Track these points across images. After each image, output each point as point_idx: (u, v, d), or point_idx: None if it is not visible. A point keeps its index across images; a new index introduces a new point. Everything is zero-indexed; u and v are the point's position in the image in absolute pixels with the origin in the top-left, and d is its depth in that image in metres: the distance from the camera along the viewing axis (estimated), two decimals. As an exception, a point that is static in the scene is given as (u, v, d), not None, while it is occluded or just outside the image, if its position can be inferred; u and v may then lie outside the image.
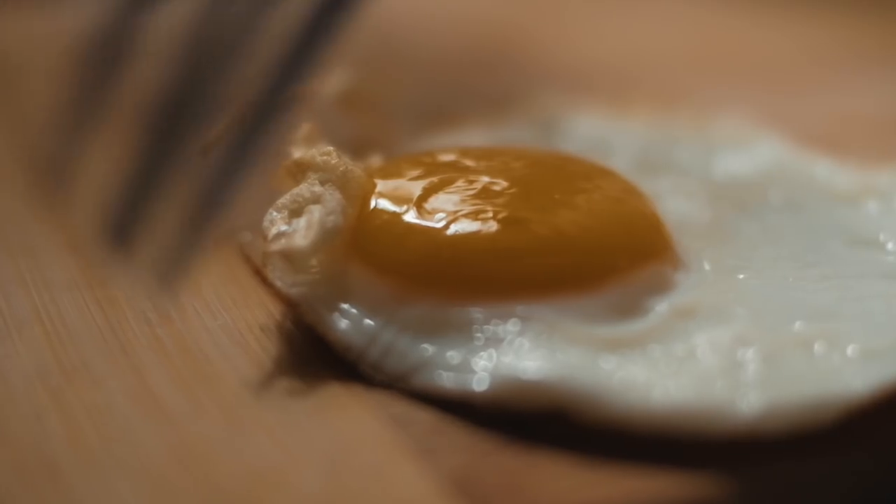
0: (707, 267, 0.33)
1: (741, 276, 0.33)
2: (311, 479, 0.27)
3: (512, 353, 0.29)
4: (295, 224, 0.32)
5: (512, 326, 0.30)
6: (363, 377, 0.30)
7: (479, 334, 0.30)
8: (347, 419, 0.29)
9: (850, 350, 0.29)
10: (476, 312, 0.30)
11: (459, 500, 0.26)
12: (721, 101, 0.44)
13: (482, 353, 0.29)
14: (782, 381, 0.28)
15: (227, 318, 0.33)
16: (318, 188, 0.33)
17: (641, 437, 0.27)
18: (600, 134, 0.40)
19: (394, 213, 0.33)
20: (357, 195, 0.33)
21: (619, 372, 0.29)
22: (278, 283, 0.32)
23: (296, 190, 0.34)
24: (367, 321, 0.31)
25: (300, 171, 0.34)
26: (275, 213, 0.33)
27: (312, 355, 0.31)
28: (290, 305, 0.32)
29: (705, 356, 0.29)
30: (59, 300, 0.34)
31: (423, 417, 0.29)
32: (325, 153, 0.34)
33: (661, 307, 0.31)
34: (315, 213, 0.32)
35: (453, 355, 0.30)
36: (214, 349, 0.31)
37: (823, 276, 0.33)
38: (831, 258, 0.34)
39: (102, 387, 0.30)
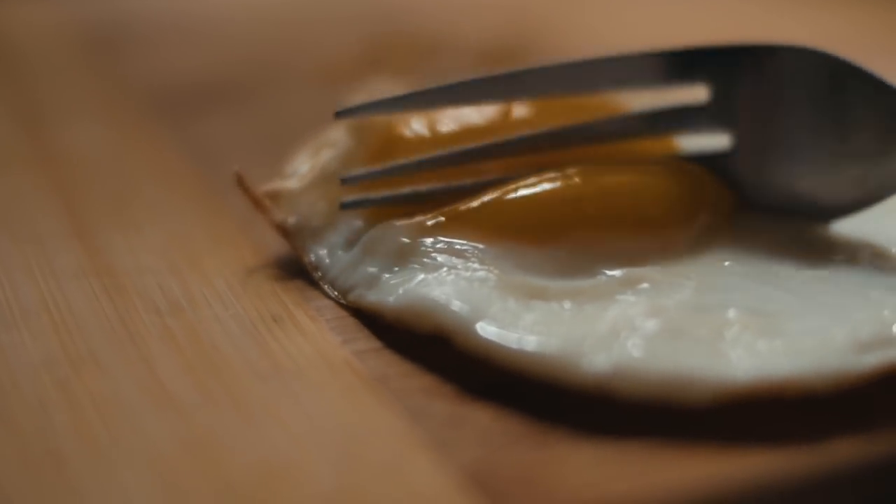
0: (706, 251, 0.33)
1: (727, 263, 0.33)
2: (324, 472, 0.26)
3: (433, 280, 0.31)
4: (302, 166, 0.36)
5: (454, 260, 0.32)
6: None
7: (420, 263, 0.32)
8: (361, 412, 0.28)
9: (759, 344, 0.29)
10: (429, 244, 0.32)
11: (475, 493, 0.26)
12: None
13: (409, 277, 0.32)
14: (657, 353, 0.28)
15: (239, 308, 0.33)
16: (339, 133, 0.36)
17: (658, 431, 0.27)
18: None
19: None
20: (372, 143, 0.36)
21: (510, 314, 0.30)
22: (272, 214, 0.35)
23: (325, 132, 0.37)
24: (341, 250, 0.34)
25: None
26: (301, 152, 0.37)
27: (326, 344, 0.31)
28: (283, 233, 0.35)
29: (604, 318, 0.30)
30: (66, 288, 0.34)
31: (438, 410, 0.28)
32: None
33: (614, 273, 0.32)
34: (322, 156, 0.36)
35: (388, 276, 0.32)
36: (225, 339, 0.31)
37: (816, 278, 0.32)
38: (842, 265, 0.33)
39: (110, 377, 0.29)
